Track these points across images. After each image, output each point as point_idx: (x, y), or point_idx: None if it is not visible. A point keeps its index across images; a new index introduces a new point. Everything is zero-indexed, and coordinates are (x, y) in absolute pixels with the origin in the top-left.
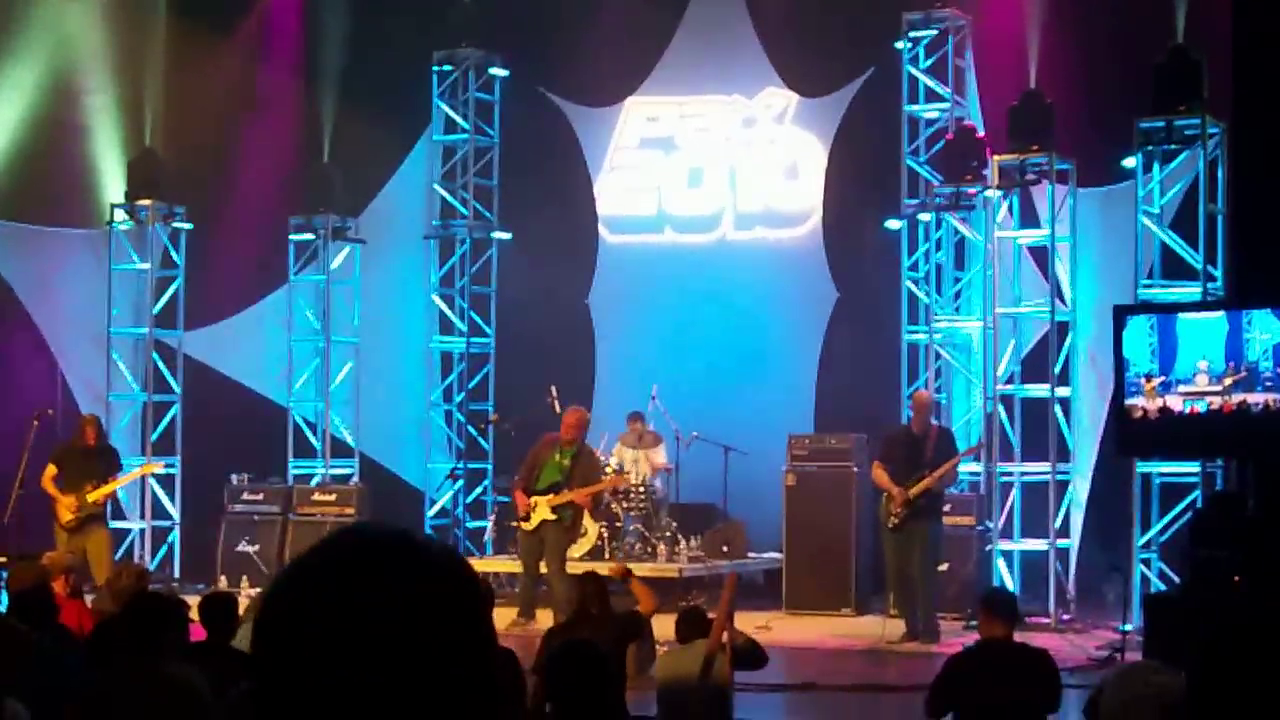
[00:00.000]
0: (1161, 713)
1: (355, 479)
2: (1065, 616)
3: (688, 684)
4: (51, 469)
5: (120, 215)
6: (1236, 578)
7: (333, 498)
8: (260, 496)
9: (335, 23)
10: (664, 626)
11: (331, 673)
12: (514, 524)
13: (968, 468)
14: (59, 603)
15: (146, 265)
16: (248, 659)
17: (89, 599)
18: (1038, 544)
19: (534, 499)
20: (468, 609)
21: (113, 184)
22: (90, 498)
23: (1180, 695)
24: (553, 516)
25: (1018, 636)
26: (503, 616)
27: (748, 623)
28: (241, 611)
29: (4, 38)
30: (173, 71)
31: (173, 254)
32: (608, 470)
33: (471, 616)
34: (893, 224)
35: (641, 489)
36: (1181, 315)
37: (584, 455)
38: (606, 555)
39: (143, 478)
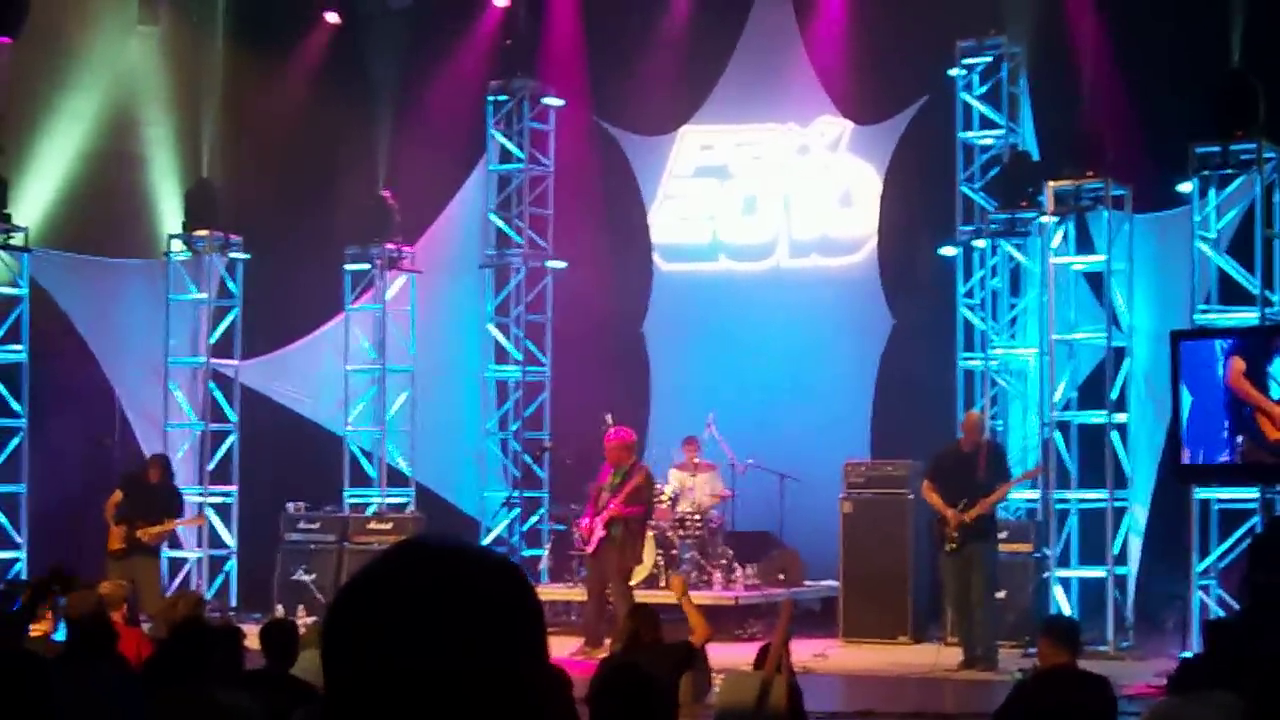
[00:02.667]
0: None
1: (411, 508)
2: (1124, 644)
3: (744, 713)
4: (117, 495)
5: (177, 246)
6: None
7: (389, 526)
8: (316, 526)
9: (390, 53)
10: (719, 655)
11: (391, 678)
12: (584, 553)
13: (1025, 494)
14: (118, 630)
15: (204, 295)
16: (306, 687)
17: (146, 627)
18: (1095, 571)
19: (593, 522)
20: (521, 619)
21: (170, 214)
22: (140, 535)
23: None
24: (603, 534)
25: (1080, 665)
26: (558, 645)
27: (805, 651)
28: (300, 639)
29: (63, 69)
30: (230, 102)
31: (229, 284)
32: (663, 496)
33: (525, 626)
34: (948, 251)
35: (697, 517)
36: None
37: (634, 473)
38: (662, 583)
39: (200, 508)
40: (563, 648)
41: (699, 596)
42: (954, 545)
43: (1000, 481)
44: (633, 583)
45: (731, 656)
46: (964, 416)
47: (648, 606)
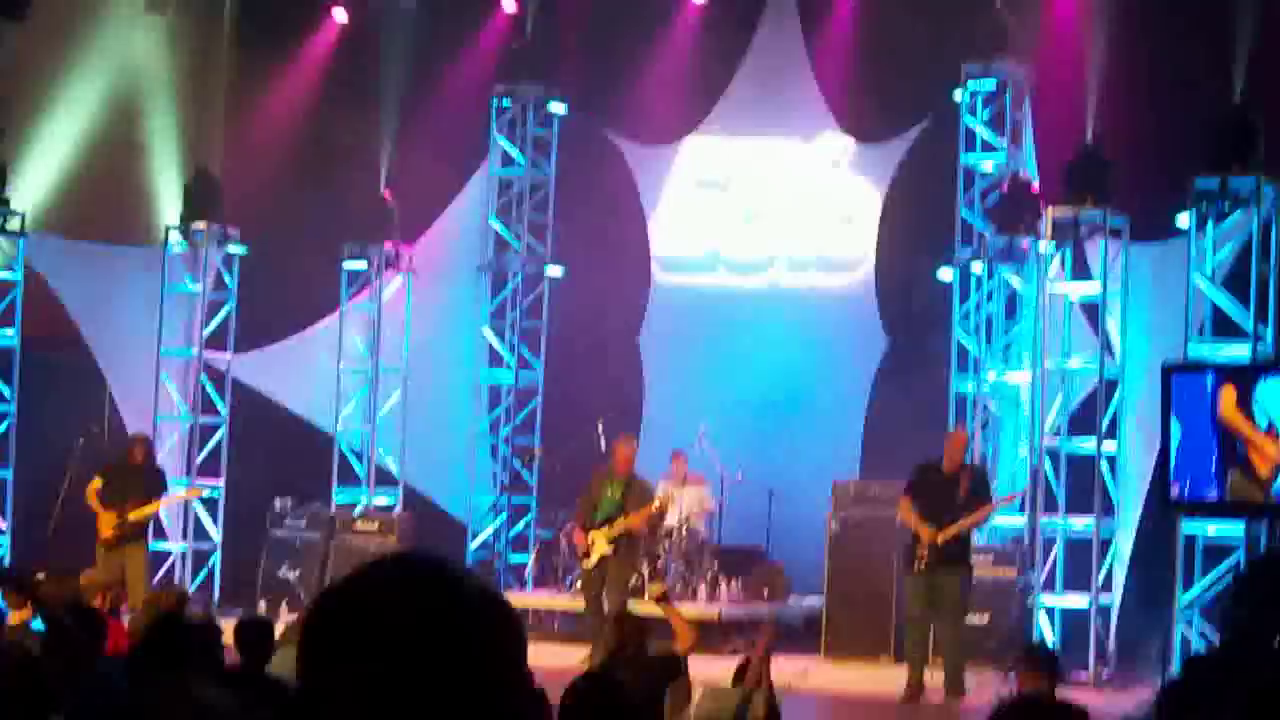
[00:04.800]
0: None
1: (398, 509)
2: (1105, 674)
3: None
4: (97, 482)
5: (175, 236)
6: (1278, 640)
7: (375, 526)
8: (303, 522)
9: (395, 53)
10: (700, 669)
11: (363, 689)
12: (581, 564)
13: (1010, 520)
14: (103, 622)
15: (199, 287)
16: (281, 685)
17: (125, 619)
18: (1079, 600)
19: (591, 534)
20: (498, 640)
21: (169, 205)
22: (131, 516)
23: None
24: (610, 550)
25: (1059, 693)
26: (540, 652)
27: (786, 667)
28: (278, 637)
29: (69, 55)
30: (234, 95)
31: (225, 277)
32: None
33: (501, 648)
34: (944, 274)
35: (684, 530)
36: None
37: (635, 485)
38: (645, 596)
39: (186, 500)
40: (547, 655)
41: (683, 609)
42: (922, 566)
43: (980, 505)
44: None
45: (713, 671)
46: (949, 434)
47: (633, 615)
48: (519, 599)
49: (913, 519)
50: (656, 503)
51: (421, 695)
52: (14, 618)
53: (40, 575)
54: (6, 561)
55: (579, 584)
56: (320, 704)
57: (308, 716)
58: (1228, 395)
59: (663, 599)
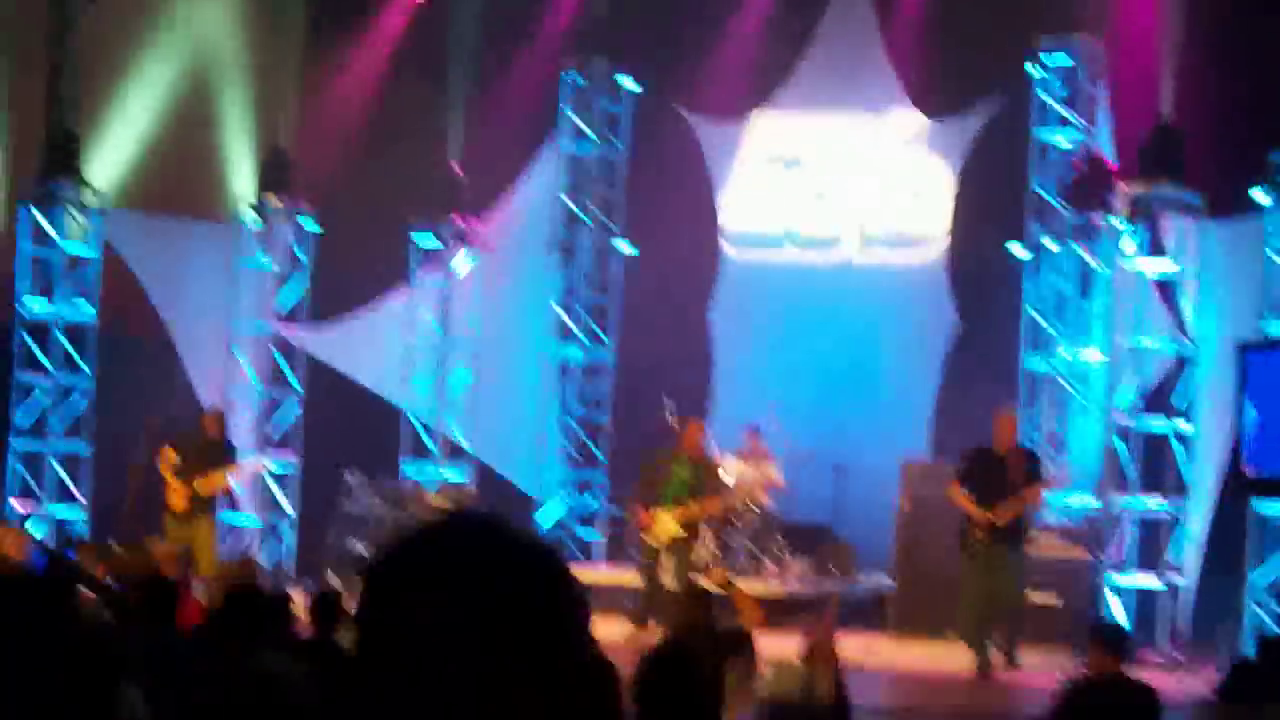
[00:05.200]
0: None
1: (469, 483)
2: (1176, 654)
3: (789, 702)
4: (171, 455)
5: (249, 212)
6: None
7: (445, 500)
8: (374, 496)
9: (467, 29)
10: (767, 646)
11: (422, 642)
12: (640, 539)
13: (1083, 499)
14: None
15: (272, 262)
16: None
17: (195, 589)
18: (1151, 579)
19: (657, 512)
20: (553, 599)
21: (243, 181)
22: (197, 485)
23: None
24: (680, 532)
25: (1128, 673)
26: (611, 628)
27: (853, 645)
28: (350, 610)
29: (143, 31)
30: (307, 71)
31: (298, 252)
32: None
33: (556, 607)
34: (1018, 251)
35: (754, 507)
36: None
37: (707, 469)
38: (708, 574)
39: (255, 473)
40: (617, 631)
41: (750, 586)
42: (980, 548)
43: (1033, 485)
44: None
45: (780, 648)
46: (998, 415)
47: (701, 590)
48: (589, 574)
49: (965, 502)
50: (729, 499)
51: (474, 643)
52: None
53: (116, 547)
54: (85, 535)
55: (641, 559)
56: (375, 653)
57: (364, 664)
58: None
59: (726, 583)
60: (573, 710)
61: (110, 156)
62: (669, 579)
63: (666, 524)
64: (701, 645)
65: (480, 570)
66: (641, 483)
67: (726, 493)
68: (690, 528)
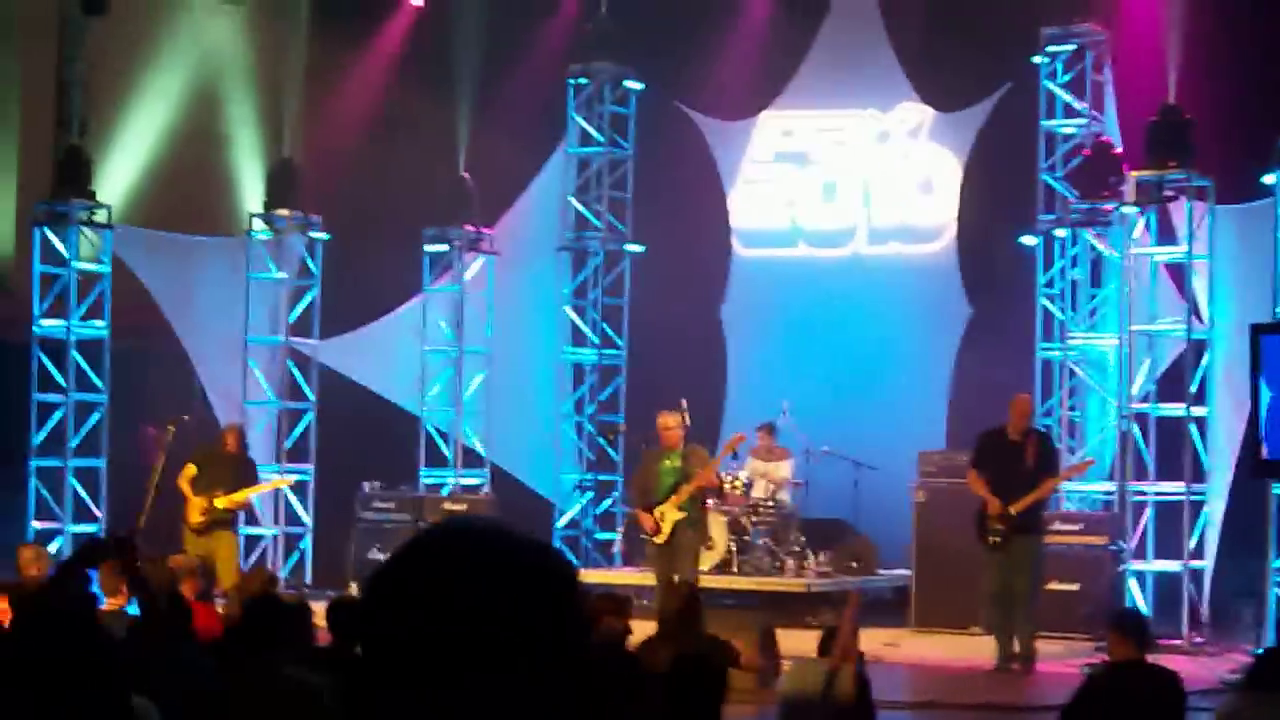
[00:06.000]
0: None
1: (486, 489)
2: (1198, 639)
3: (810, 699)
4: (190, 469)
5: (259, 225)
6: None
7: (463, 507)
8: (392, 505)
9: (471, 35)
10: (788, 641)
11: (418, 641)
12: (644, 539)
13: (1101, 486)
14: (191, 607)
15: (283, 274)
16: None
17: (219, 603)
18: (1171, 565)
19: (658, 510)
20: (550, 597)
21: (252, 193)
22: (219, 504)
23: None
24: (681, 515)
25: (1150, 659)
26: (642, 629)
27: (875, 640)
28: None
29: (149, 48)
30: (312, 83)
31: (309, 263)
32: (737, 483)
33: (553, 604)
34: (1028, 240)
35: (771, 503)
36: None
37: (693, 453)
38: (734, 569)
39: (276, 489)
40: (636, 631)
41: (771, 583)
42: (998, 539)
43: (1048, 475)
44: (704, 568)
45: (801, 643)
46: (1014, 400)
47: (688, 589)
48: (608, 576)
49: (983, 490)
50: (717, 469)
51: (476, 640)
52: (110, 603)
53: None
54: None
55: (649, 561)
56: (380, 659)
57: (370, 673)
58: None
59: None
60: (579, 709)
61: (120, 174)
62: (683, 564)
63: (670, 514)
64: (693, 640)
65: (478, 576)
66: (636, 490)
67: (713, 463)
68: (690, 509)
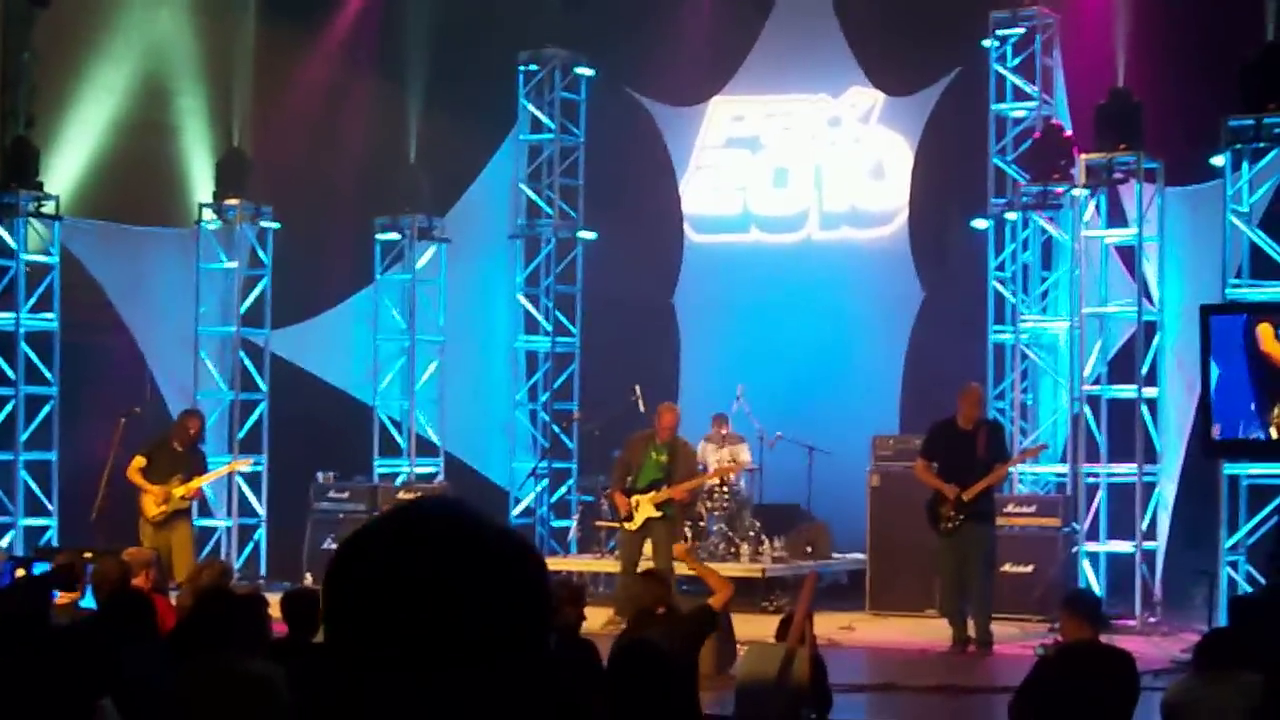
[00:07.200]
0: (1244, 715)
1: (440, 478)
2: (1151, 619)
3: (767, 683)
4: (140, 460)
5: (209, 215)
6: None
7: (418, 496)
8: (346, 495)
9: (421, 23)
10: (744, 626)
11: (381, 623)
12: (617, 524)
13: (1055, 468)
14: (150, 601)
15: (234, 264)
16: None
17: (173, 596)
18: (1124, 546)
19: (635, 498)
20: (514, 577)
21: (202, 184)
22: (177, 493)
23: (1261, 697)
24: (658, 514)
25: (1103, 639)
26: (596, 616)
27: (831, 623)
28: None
29: (95, 40)
30: (261, 73)
31: (260, 253)
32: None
33: (517, 585)
34: (979, 224)
35: (725, 489)
36: None
37: (681, 451)
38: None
39: (230, 476)
40: (591, 618)
41: (726, 568)
42: (951, 525)
43: (999, 461)
44: None
45: (758, 628)
46: (963, 390)
47: (656, 573)
48: (562, 563)
49: (934, 480)
50: (707, 474)
51: (443, 625)
52: (63, 597)
53: (88, 555)
54: (55, 543)
55: (617, 546)
56: (346, 644)
57: (337, 658)
58: (1266, 330)
59: (689, 558)
60: (544, 691)
61: (67, 166)
62: (658, 555)
63: (645, 508)
64: (669, 628)
65: (444, 553)
66: (617, 469)
67: (708, 474)
68: (666, 508)
